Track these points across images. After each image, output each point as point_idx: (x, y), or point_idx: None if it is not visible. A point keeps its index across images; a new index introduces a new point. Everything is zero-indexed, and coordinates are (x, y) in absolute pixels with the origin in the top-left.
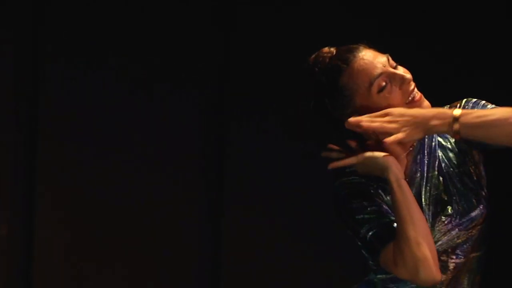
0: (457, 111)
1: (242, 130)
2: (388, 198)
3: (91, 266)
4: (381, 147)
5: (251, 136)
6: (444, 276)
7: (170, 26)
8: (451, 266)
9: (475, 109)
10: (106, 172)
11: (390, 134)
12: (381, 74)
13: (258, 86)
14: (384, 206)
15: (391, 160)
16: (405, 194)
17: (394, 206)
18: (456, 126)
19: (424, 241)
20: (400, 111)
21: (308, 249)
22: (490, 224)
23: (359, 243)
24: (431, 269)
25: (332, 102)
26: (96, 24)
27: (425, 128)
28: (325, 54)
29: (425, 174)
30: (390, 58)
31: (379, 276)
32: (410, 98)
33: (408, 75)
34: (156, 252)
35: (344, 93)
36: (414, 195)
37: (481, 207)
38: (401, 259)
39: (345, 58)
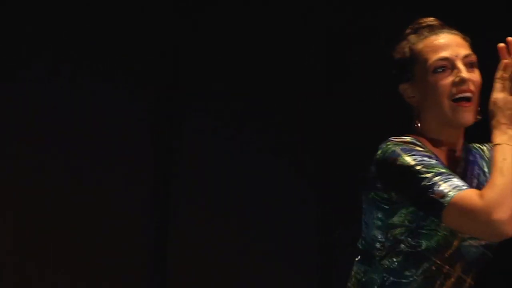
0: None
1: (193, 128)
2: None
3: (34, 268)
4: None
5: (203, 135)
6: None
7: (122, 20)
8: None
9: None
10: (48, 173)
11: None
12: (447, 58)
13: (210, 83)
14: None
15: None
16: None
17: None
18: None
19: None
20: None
21: (262, 248)
22: None
23: (416, 196)
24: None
25: (399, 60)
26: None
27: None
28: (424, 20)
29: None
30: (472, 58)
31: (382, 262)
32: (456, 96)
33: (471, 79)
34: (101, 254)
35: (412, 56)
36: None
37: None
38: (488, 199)
39: (432, 25)
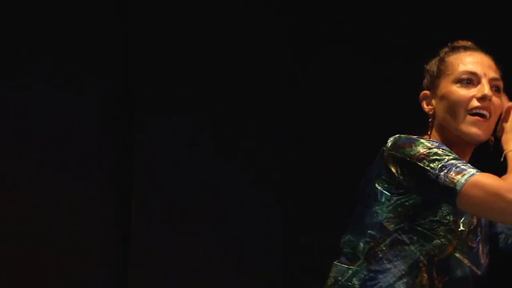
0: None
1: (149, 129)
2: None
3: None
4: None
5: (160, 136)
6: None
7: (70, 18)
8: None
9: None
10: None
11: None
12: (475, 73)
13: (168, 89)
14: None
15: None
16: None
17: None
18: None
19: None
20: None
21: (222, 251)
22: None
23: (434, 176)
24: None
25: (429, 69)
26: None
27: None
28: (461, 41)
29: None
30: (500, 83)
31: (368, 260)
32: (474, 110)
33: (492, 100)
34: (57, 260)
35: (441, 66)
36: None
37: (486, 262)
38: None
39: (468, 46)
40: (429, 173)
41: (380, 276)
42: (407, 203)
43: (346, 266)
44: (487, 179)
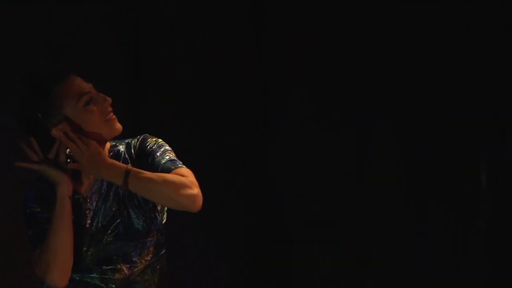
0: (129, 169)
1: None
2: None
3: None
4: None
5: None
6: (119, 276)
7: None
8: (125, 269)
9: (146, 172)
10: None
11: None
12: (88, 92)
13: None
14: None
15: (65, 178)
16: (63, 209)
17: (53, 215)
18: (126, 180)
19: (60, 251)
20: (95, 149)
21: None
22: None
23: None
24: (57, 276)
25: (43, 111)
26: None
27: (97, 173)
28: (38, 72)
29: (104, 192)
30: (93, 87)
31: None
32: (108, 117)
33: (108, 98)
34: None
35: (54, 104)
36: (93, 210)
37: (145, 226)
38: (38, 259)
39: (58, 76)
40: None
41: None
42: None
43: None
44: (34, 257)
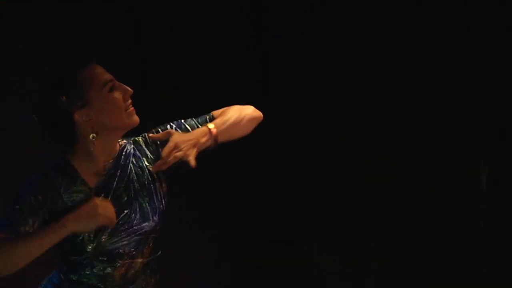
0: (210, 125)
1: None
2: (60, 204)
3: None
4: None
5: None
6: (117, 273)
7: None
8: (124, 266)
9: (214, 120)
10: None
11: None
12: (112, 80)
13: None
14: (45, 211)
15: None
16: (52, 237)
17: (41, 229)
18: (214, 137)
19: (16, 265)
20: (182, 139)
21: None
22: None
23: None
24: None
25: (67, 94)
26: None
27: (199, 145)
28: (65, 57)
29: (114, 186)
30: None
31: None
32: (128, 107)
33: (130, 89)
34: None
35: (79, 88)
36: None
37: (156, 219)
38: None
39: (83, 62)
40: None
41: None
42: None
43: None
44: None
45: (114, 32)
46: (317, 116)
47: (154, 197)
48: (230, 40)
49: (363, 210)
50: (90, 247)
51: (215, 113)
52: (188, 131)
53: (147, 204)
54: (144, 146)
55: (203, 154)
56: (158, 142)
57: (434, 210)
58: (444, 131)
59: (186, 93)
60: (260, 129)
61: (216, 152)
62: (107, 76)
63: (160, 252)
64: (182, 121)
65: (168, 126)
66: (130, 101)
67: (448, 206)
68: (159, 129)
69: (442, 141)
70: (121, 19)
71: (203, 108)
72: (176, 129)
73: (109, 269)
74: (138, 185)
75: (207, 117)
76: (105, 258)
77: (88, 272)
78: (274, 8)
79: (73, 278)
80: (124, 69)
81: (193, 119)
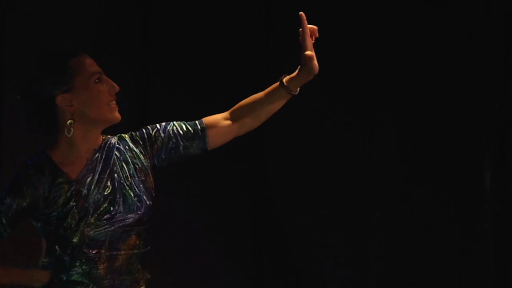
0: (280, 80)
1: None
2: (41, 201)
3: None
4: None
5: None
6: (102, 266)
7: None
8: (107, 258)
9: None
10: None
11: None
12: (101, 72)
13: None
14: (24, 204)
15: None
16: (18, 279)
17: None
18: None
19: None
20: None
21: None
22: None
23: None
24: None
25: (54, 75)
26: None
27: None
28: (58, 43)
29: (97, 177)
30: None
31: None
32: (111, 102)
33: (116, 86)
34: None
35: (67, 72)
36: (84, 194)
37: (141, 212)
38: None
39: (76, 49)
40: None
41: None
42: None
43: None
44: None
45: (120, 23)
46: (317, 115)
47: (140, 190)
48: (230, 40)
49: (363, 210)
50: (75, 239)
51: (206, 119)
52: (178, 131)
53: (132, 196)
54: (130, 142)
55: (204, 155)
56: (147, 142)
57: (436, 210)
58: (447, 130)
59: (191, 87)
60: (260, 129)
61: (216, 153)
62: (97, 68)
63: (149, 248)
64: (172, 122)
65: (158, 126)
66: (115, 97)
67: (451, 206)
68: (149, 128)
69: (446, 141)
70: (127, 10)
71: (202, 108)
72: (164, 130)
73: (93, 264)
74: (122, 177)
75: (197, 121)
76: (90, 250)
77: (77, 269)
78: (277, 7)
79: (63, 278)
80: (131, 60)
81: (183, 122)
